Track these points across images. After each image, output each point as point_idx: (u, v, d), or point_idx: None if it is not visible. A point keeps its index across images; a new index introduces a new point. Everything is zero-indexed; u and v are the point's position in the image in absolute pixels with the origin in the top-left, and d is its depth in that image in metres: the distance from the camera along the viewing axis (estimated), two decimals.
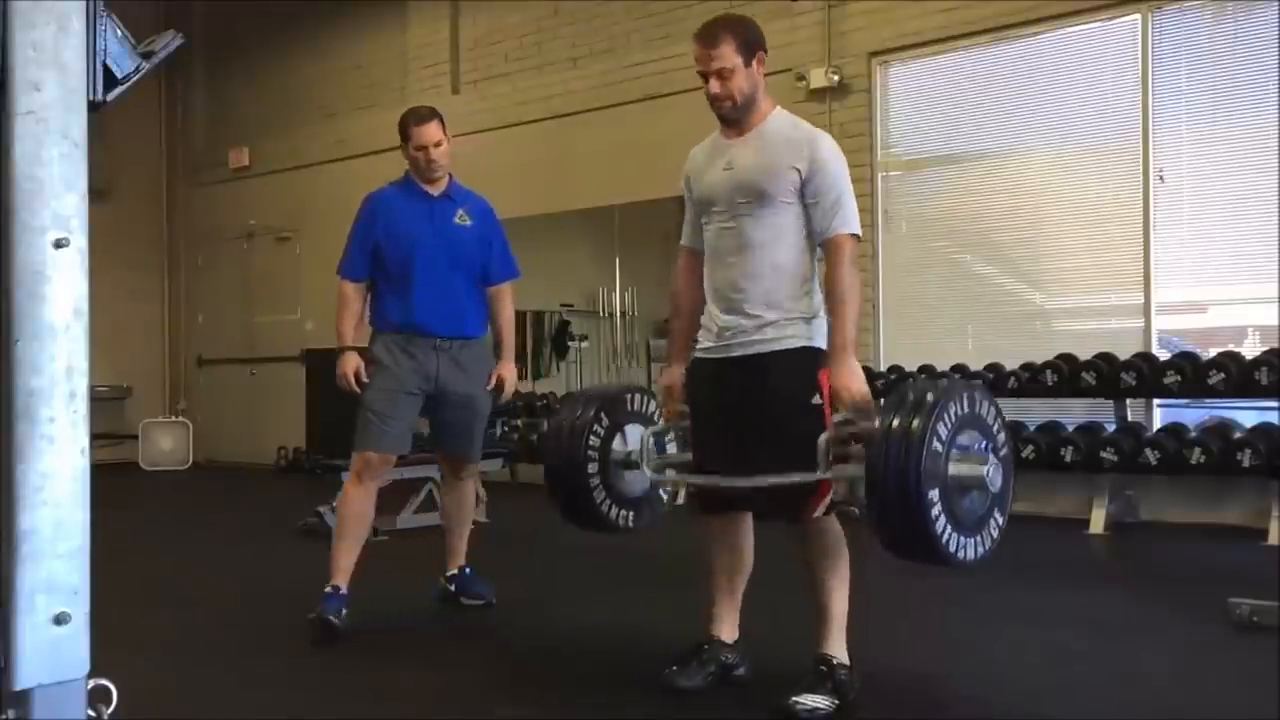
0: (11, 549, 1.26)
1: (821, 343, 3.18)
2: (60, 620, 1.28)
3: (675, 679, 3.30)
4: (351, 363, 4.30)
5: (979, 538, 2.80)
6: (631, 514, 3.49)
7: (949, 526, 2.72)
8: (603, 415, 3.45)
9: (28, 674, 1.27)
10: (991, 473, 2.78)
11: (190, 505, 9.65)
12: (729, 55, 3.13)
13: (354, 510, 4.24)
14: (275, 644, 4.06)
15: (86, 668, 1.31)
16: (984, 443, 2.83)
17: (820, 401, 3.12)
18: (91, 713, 1.34)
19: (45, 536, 1.27)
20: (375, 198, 4.44)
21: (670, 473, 3.53)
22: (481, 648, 4.02)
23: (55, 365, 1.28)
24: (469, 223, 4.41)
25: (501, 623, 4.35)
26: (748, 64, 3.15)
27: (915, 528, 2.71)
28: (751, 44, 3.17)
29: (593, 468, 3.40)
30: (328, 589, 4.10)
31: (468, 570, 4.59)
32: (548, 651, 3.65)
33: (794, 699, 3.05)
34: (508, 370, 4.51)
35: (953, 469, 2.74)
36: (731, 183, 3.20)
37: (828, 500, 3.13)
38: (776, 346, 3.14)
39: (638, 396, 3.56)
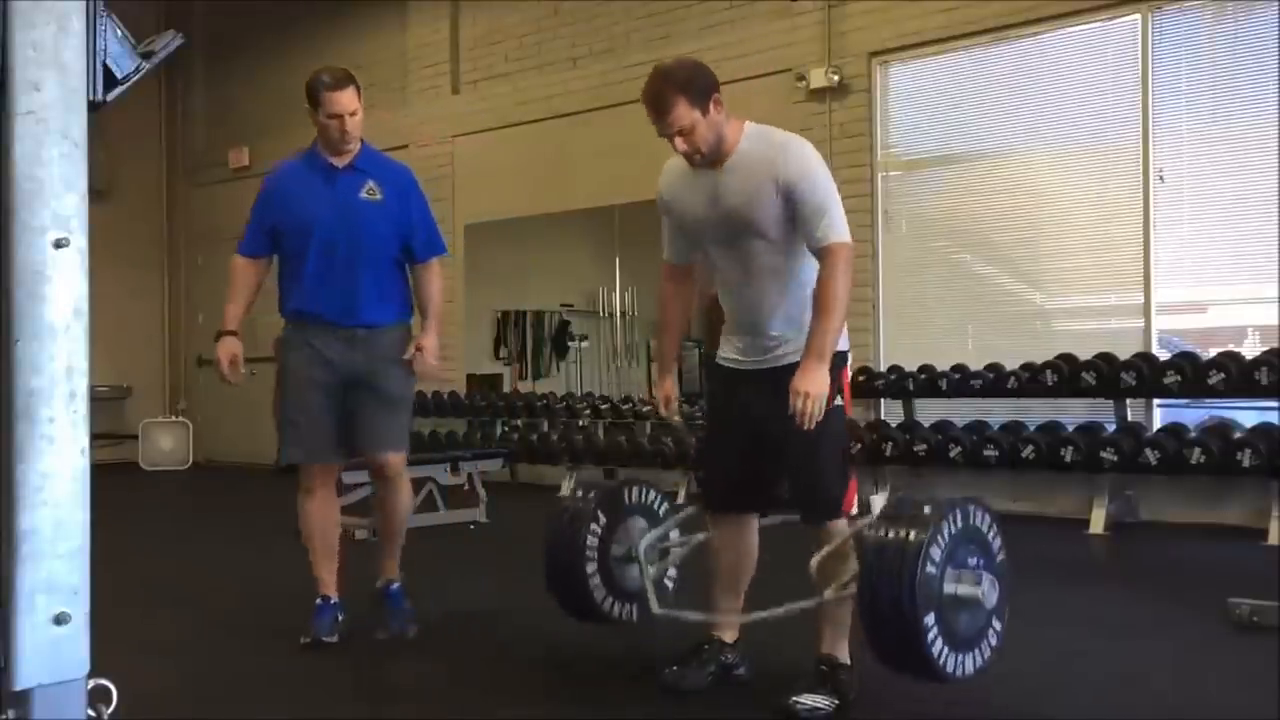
0: (11, 549, 1.26)
1: (840, 344, 3.22)
2: (60, 620, 1.28)
3: (675, 679, 3.30)
4: (229, 350, 3.91)
5: (975, 652, 2.82)
6: (632, 607, 3.51)
7: (945, 648, 2.73)
8: (600, 511, 3.49)
9: (28, 674, 1.27)
10: (987, 591, 2.77)
11: (190, 505, 9.65)
12: (684, 114, 3.02)
13: (313, 523, 4.03)
14: (275, 644, 4.05)
15: (86, 668, 1.31)
16: (979, 558, 2.83)
17: (841, 402, 3.21)
18: (91, 713, 1.34)
19: (45, 536, 1.27)
20: (274, 173, 4.08)
21: (669, 583, 3.61)
22: (481, 648, 4.02)
23: (55, 365, 1.28)
24: (379, 197, 3.93)
25: (501, 623, 4.35)
26: (705, 111, 3.03)
27: (910, 650, 2.73)
28: (703, 90, 3.03)
29: (591, 567, 3.44)
30: (317, 600, 4.00)
31: (394, 587, 4.15)
32: (548, 651, 3.65)
33: (794, 699, 3.05)
34: (428, 340, 3.97)
35: (948, 590, 2.74)
36: (719, 216, 3.16)
37: (855, 501, 3.19)
38: (797, 358, 3.11)
39: (636, 489, 3.60)
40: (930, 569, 2.70)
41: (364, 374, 3.92)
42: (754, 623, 3.44)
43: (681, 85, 3.03)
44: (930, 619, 2.70)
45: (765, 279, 3.14)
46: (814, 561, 3.02)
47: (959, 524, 2.80)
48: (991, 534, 2.90)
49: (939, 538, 2.73)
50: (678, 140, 3.06)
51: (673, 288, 3.44)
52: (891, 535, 2.75)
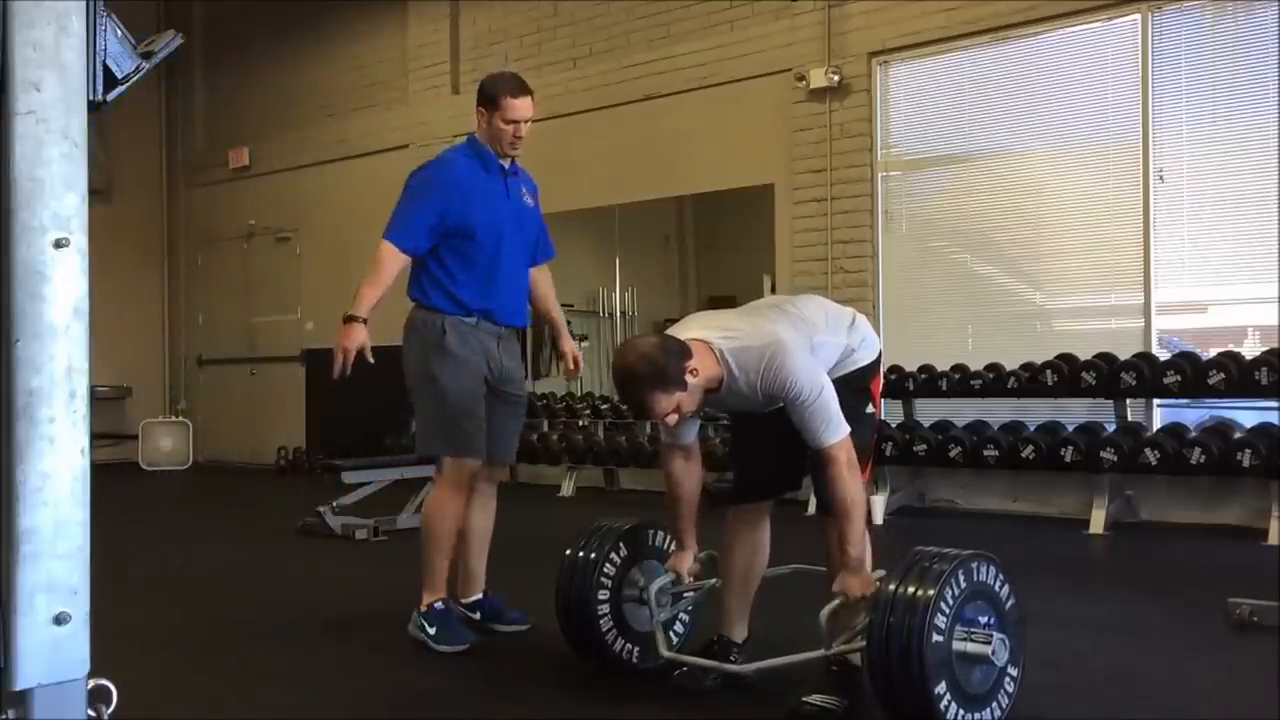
0: (11, 549, 1.26)
1: (866, 358, 3.26)
2: (60, 620, 1.28)
3: (682, 679, 3.29)
4: (359, 338, 3.78)
5: (991, 707, 2.79)
6: (637, 650, 3.47)
7: (959, 709, 2.71)
8: (621, 545, 3.47)
9: (28, 674, 1.27)
10: (997, 650, 2.74)
11: (190, 505, 9.64)
12: (666, 403, 2.96)
13: (451, 518, 3.98)
14: (275, 644, 4.05)
15: (86, 668, 1.31)
16: (990, 616, 2.80)
17: (872, 410, 3.27)
18: (91, 713, 1.34)
19: (45, 536, 1.27)
20: (446, 168, 4.04)
21: (680, 627, 3.56)
22: (481, 648, 4.01)
23: (55, 365, 1.28)
24: (531, 203, 4.22)
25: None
26: (683, 386, 2.96)
27: (923, 715, 2.69)
28: (674, 371, 2.95)
29: (603, 594, 3.41)
30: (437, 604, 3.93)
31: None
32: (551, 651, 3.64)
33: (804, 699, 3.05)
34: (574, 348, 4.34)
35: (957, 647, 2.72)
36: (751, 406, 3.18)
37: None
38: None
39: (659, 534, 3.55)
40: (937, 638, 2.67)
41: (508, 377, 4.06)
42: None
43: (651, 381, 2.95)
44: (941, 688, 2.67)
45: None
46: (825, 612, 3.00)
47: (963, 583, 2.76)
48: (1000, 585, 2.85)
49: (943, 601, 2.69)
50: (670, 418, 3.02)
51: (680, 466, 3.35)
52: (900, 594, 2.72)
